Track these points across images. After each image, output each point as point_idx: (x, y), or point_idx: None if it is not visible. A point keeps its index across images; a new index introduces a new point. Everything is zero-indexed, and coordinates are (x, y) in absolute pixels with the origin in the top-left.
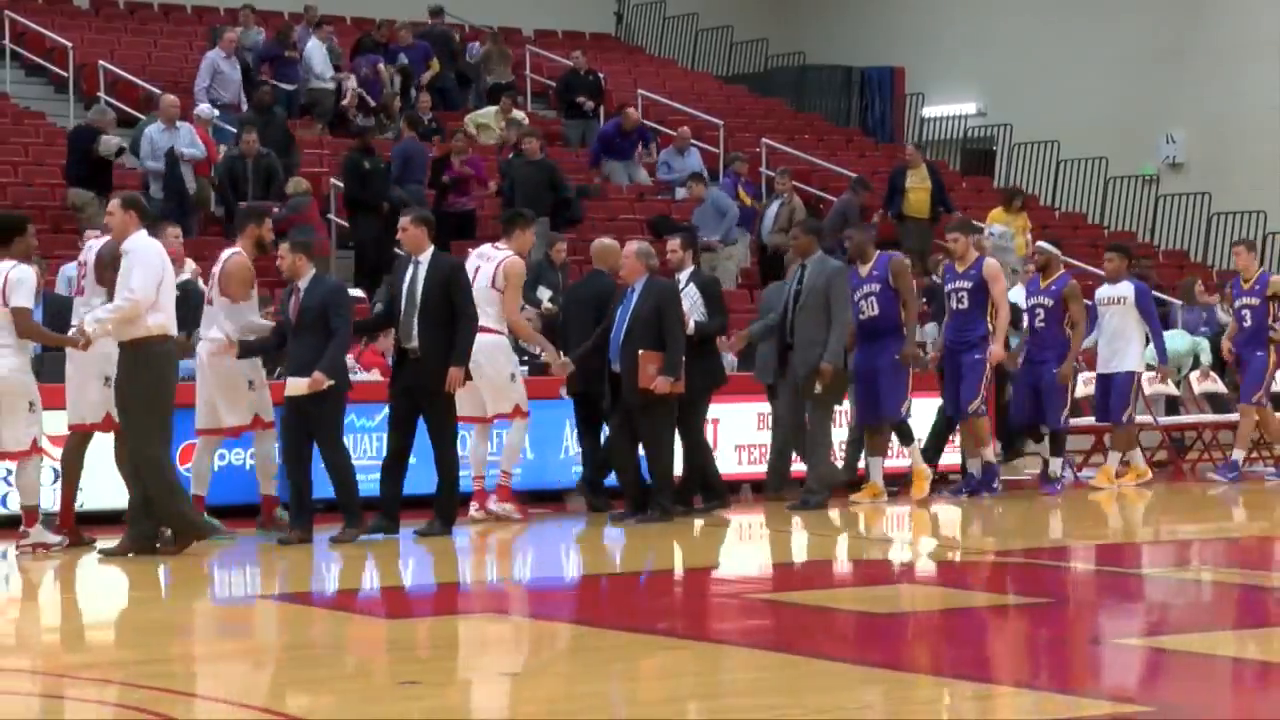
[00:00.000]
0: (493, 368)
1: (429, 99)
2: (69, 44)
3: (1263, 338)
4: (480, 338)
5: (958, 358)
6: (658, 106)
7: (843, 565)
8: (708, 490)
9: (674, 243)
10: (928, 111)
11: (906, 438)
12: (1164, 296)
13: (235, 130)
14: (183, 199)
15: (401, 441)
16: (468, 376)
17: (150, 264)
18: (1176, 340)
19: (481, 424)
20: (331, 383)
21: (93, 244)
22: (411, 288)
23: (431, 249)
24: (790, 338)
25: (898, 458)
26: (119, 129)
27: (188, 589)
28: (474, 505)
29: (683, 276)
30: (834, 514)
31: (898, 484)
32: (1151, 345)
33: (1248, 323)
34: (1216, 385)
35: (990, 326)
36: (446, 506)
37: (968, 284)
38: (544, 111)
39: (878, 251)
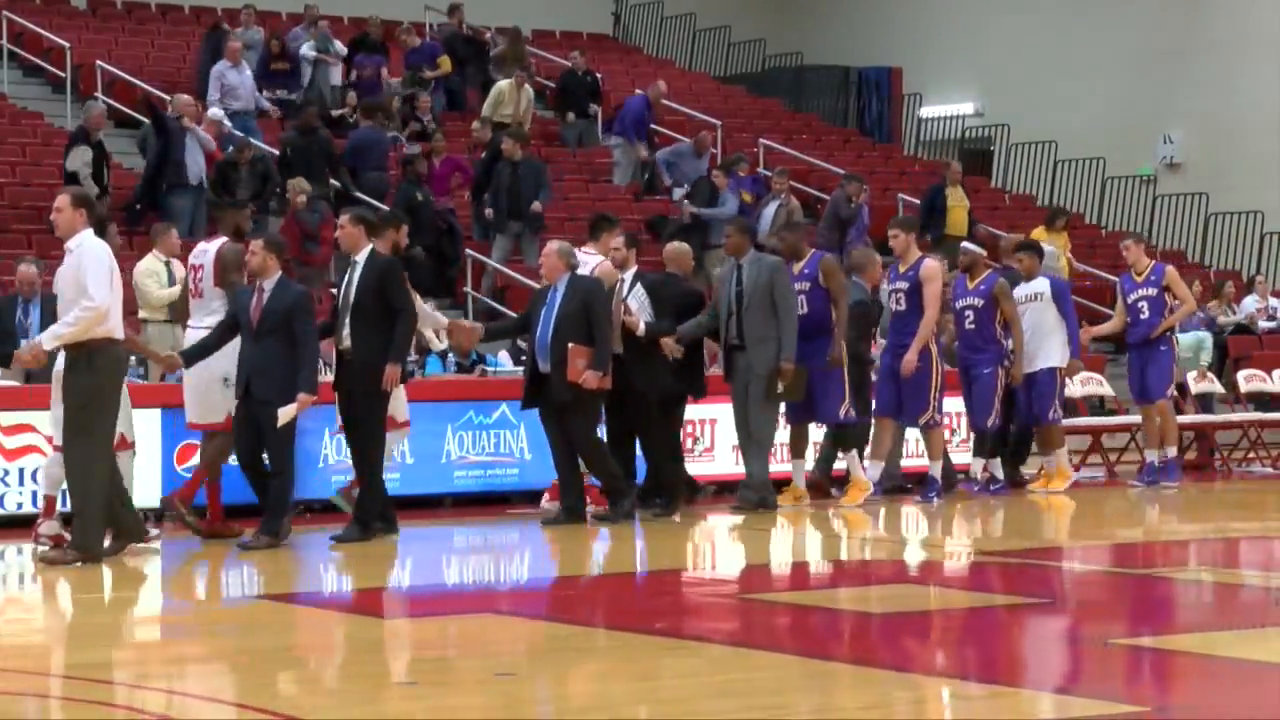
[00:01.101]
0: None
1: (428, 100)
2: (66, 44)
3: (1163, 332)
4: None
5: (896, 364)
6: (655, 106)
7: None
8: (661, 492)
9: (616, 241)
10: (925, 112)
11: (846, 442)
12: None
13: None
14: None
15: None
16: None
17: (102, 267)
18: (1185, 337)
19: None
20: (315, 398)
21: (206, 246)
22: (347, 288)
23: (369, 248)
24: (738, 339)
25: (914, 457)
26: (119, 129)
27: (186, 589)
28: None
29: (627, 276)
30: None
31: (878, 486)
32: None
33: (1144, 315)
34: (1214, 386)
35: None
36: (367, 509)
37: (905, 284)
38: (542, 112)
39: (812, 250)
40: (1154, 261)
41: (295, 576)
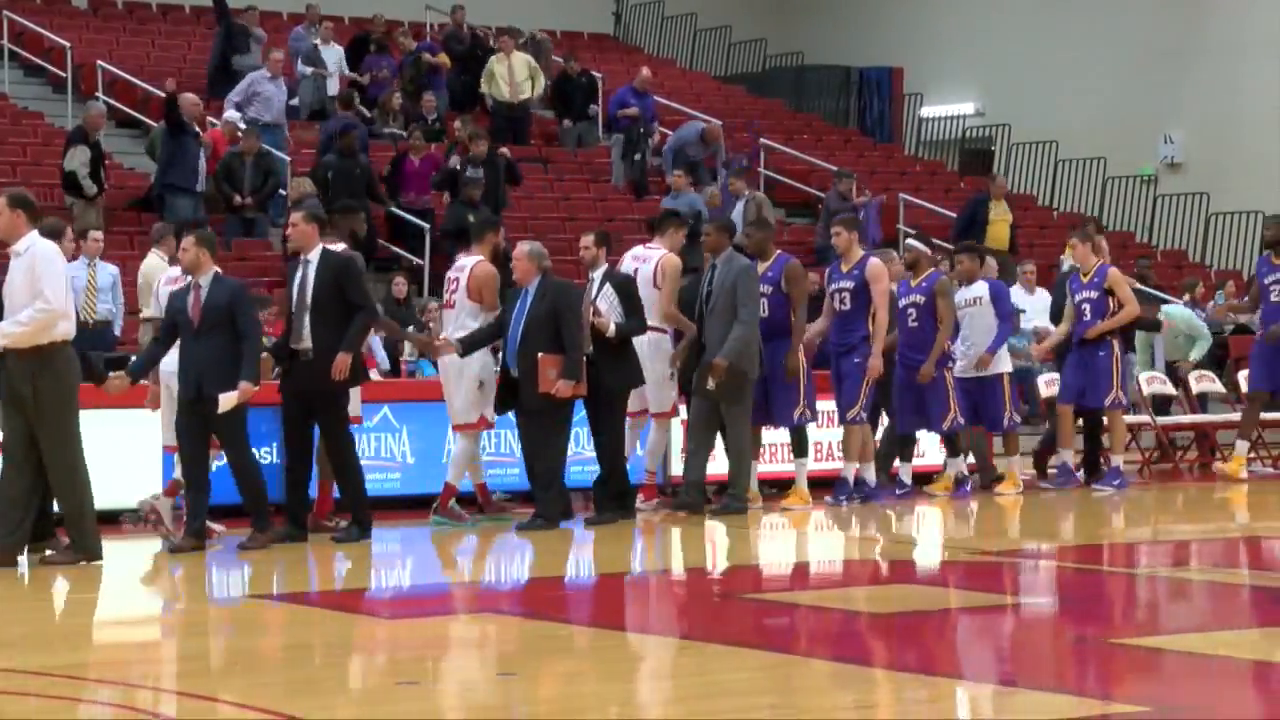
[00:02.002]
0: (655, 366)
1: (433, 99)
2: (67, 44)
3: (1105, 333)
4: (646, 336)
5: (839, 362)
6: (656, 106)
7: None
8: (619, 498)
9: (586, 239)
10: (926, 111)
11: (800, 449)
12: (1164, 296)
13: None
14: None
15: (299, 445)
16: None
17: (55, 269)
18: (1175, 311)
19: (633, 419)
20: (259, 389)
21: (464, 261)
22: (301, 287)
23: (321, 246)
24: (703, 339)
25: (918, 457)
26: (120, 129)
27: (185, 589)
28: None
29: (596, 276)
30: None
31: (861, 488)
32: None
33: (1087, 317)
34: (1215, 385)
35: (870, 329)
36: (355, 508)
37: (850, 284)
38: (540, 112)
39: (778, 252)
40: (1100, 262)
41: (293, 577)
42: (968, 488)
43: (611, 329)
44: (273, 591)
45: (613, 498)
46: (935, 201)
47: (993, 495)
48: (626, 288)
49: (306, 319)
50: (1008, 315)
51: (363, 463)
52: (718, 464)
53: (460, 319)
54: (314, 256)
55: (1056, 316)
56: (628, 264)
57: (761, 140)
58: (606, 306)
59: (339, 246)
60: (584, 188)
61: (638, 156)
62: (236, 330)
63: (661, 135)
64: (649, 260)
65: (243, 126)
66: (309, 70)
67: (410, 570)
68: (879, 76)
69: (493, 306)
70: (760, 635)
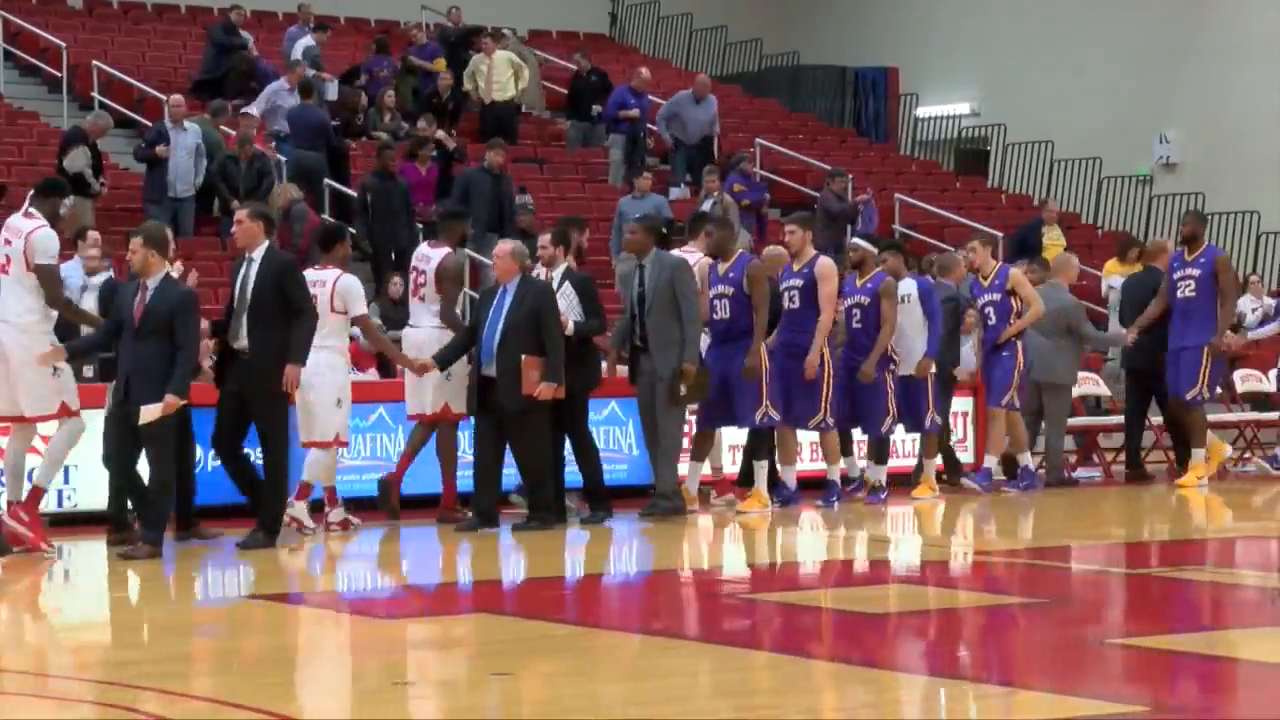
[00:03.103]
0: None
1: (396, 97)
2: (63, 44)
3: (1009, 338)
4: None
5: (789, 363)
6: (653, 106)
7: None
8: (593, 499)
9: (544, 239)
10: (921, 112)
11: (758, 451)
12: None
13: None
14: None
15: (232, 446)
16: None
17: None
18: None
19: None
20: (184, 403)
21: (429, 253)
22: (243, 286)
23: (265, 245)
24: (641, 341)
25: (905, 457)
26: (114, 130)
27: (179, 589)
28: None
29: (556, 275)
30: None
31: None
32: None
33: (993, 320)
34: (1100, 389)
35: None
36: (269, 515)
37: (800, 282)
38: (541, 112)
39: (740, 251)
40: (1000, 264)
41: (287, 576)
42: (882, 496)
43: (570, 328)
44: (270, 592)
45: (587, 498)
46: (931, 201)
47: (910, 500)
48: (586, 287)
49: (245, 318)
50: (935, 313)
51: (358, 462)
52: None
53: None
54: (258, 255)
55: None
56: None
57: (757, 140)
58: (565, 306)
59: (443, 250)
60: (580, 188)
61: (641, 159)
62: (173, 338)
63: (659, 141)
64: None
65: (256, 115)
66: (311, 73)
67: (405, 570)
68: (875, 76)
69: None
70: (751, 635)
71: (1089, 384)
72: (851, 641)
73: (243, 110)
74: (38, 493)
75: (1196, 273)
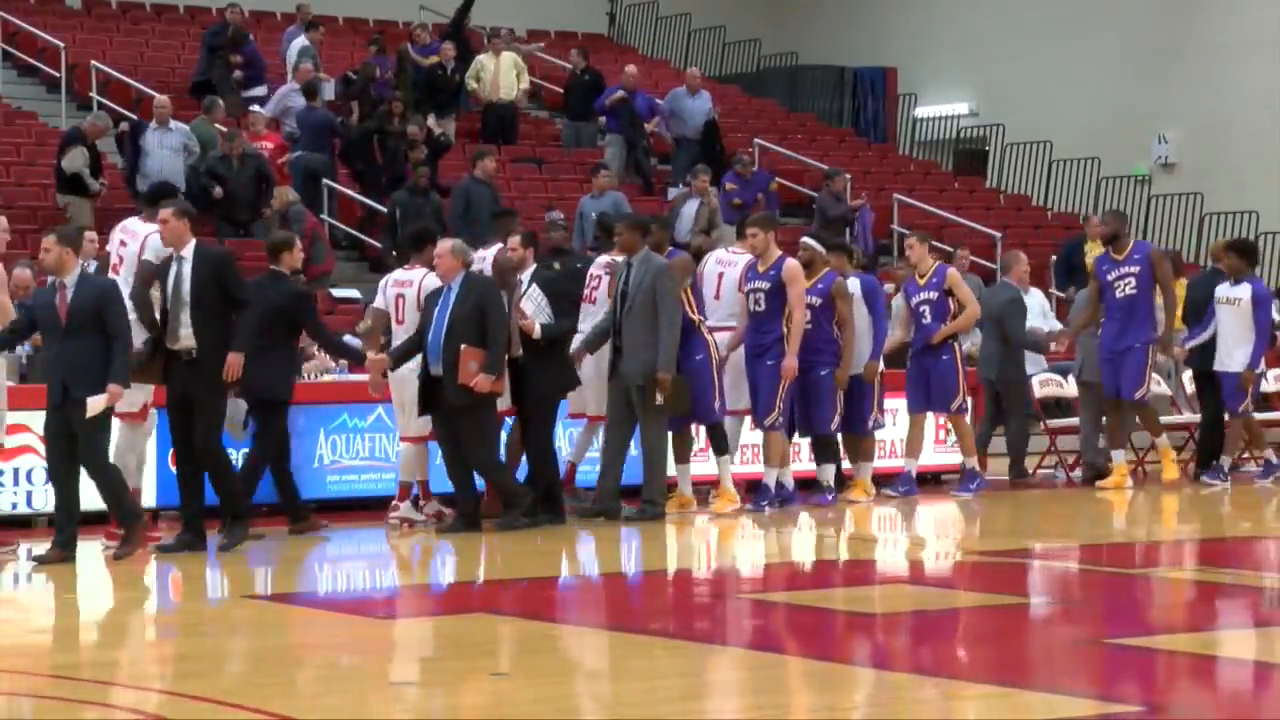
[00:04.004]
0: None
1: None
2: (61, 44)
3: (945, 338)
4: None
5: (753, 364)
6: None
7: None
8: (549, 503)
9: (513, 240)
10: (920, 112)
11: (720, 446)
12: None
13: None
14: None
15: (187, 446)
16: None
17: None
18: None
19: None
20: (128, 390)
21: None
22: (177, 285)
23: (193, 242)
24: (618, 341)
25: (889, 458)
26: (111, 129)
27: (177, 589)
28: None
29: (524, 276)
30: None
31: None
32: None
33: (926, 320)
34: (1162, 389)
35: (786, 329)
36: (238, 515)
37: (766, 284)
38: (537, 112)
39: (670, 248)
40: (937, 262)
41: (283, 577)
42: (830, 497)
43: (537, 330)
44: (266, 592)
45: (541, 500)
46: (929, 202)
47: (846, 501)
48: (555, 287)
49: (185, 317)
50: (882, 313)
51: (360, 462)
52: (708, 466)
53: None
54: (187, 253)
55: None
56: (712, 267)
57: (756, 140)
58: (533, 308)
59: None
60: (577, 188)
61: (651, 159)
62: (105, 331)
63: (657, 139)
64: (735, 264)
65: (264, 112)
66: (313, 73)
67: (399, 570)
68: (873, 77)
69: (511, 288)
70: (741, 635)
71: (1051, 385)
72: (851, 642)
73: (251, 108)
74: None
75: (1135, 269)
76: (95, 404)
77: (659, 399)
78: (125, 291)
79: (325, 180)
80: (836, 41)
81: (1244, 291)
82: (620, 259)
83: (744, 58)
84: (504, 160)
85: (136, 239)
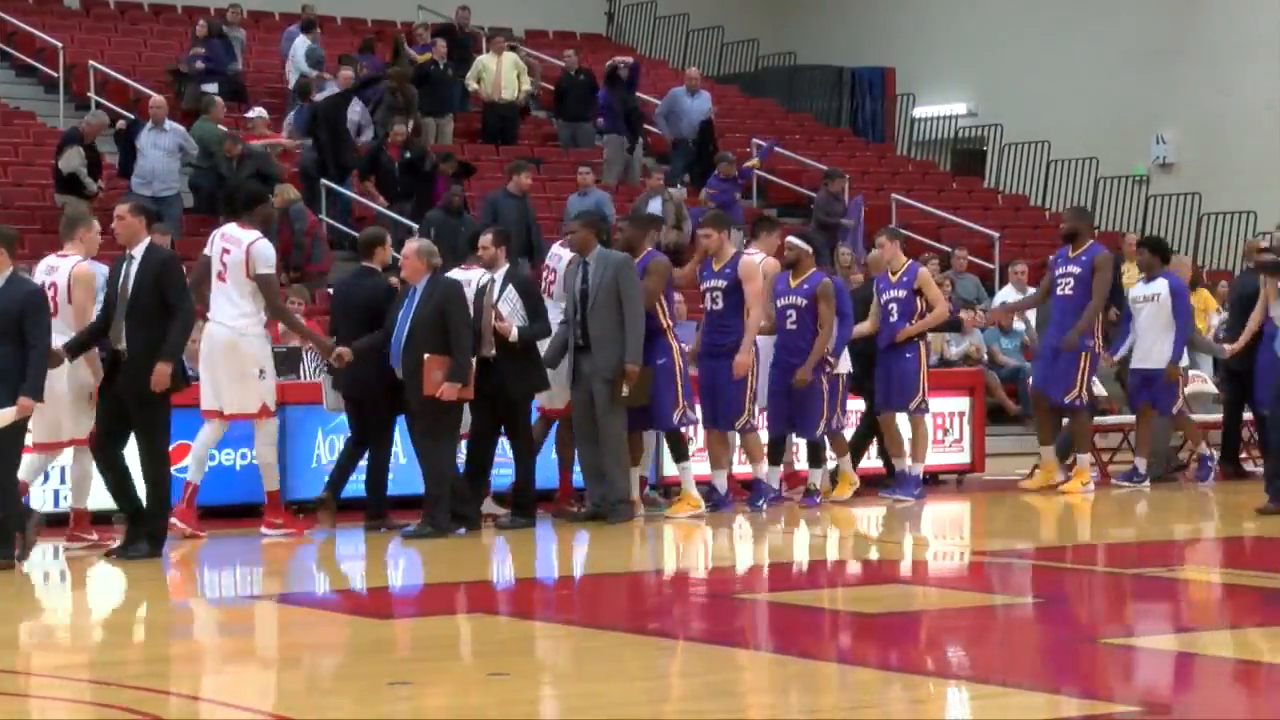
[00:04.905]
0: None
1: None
2: (59, 44)
3: (910, 338)
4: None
5: (712, 364)
6: (648, 106)
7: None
8: (519, 506)
9: (485, 239)
10: (918, 112)
11: (678, 452)
12: None
13: None
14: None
15: (112, 453)
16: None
17: None
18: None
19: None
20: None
21: (559, 251)
22: (124, 284)
23: (146, 240)
24: (582, 340)
25: (874, 458)
26: (109, 129)
27: (177, 589)
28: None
29: (498, 277)
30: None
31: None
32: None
33: (894, 318)
34: (1207, 386)
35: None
36: (153, 524)
37: (722, 283)
38: (535, 112)
39: (648, 250)
40: (909, 261)
41: (280, 577)
42: (816, 499)
43: (513, 333)
44: (264, 592)
45: (516, 504)
46: (927, 202)
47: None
48: (529, 289)
49: (124, 318)
50: (848, 315)
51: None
52: (704, 466)
53: (558, 305)
54: (138, 252)
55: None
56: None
57: (754, 140)
58: (509, 310)
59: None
60: (575, 188)
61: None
62: (23, 340)
63: (655, 137)
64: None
65: (265, 115)
66: (314, 73)
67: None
68: (871, 77)
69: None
70: (736, 635)
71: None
72: (850, 642)
73: (248, 114)
74: (193, 489)
75: (1077, 270)
76: (4, 416)
77: (625, 390)
78: (224, 298)
79: (323, 181)
80: (834, 41)
81: (1160, 287)
82: (573, 254)
83: (742, 57)
84: (503, 160)
85: (240, 246)
